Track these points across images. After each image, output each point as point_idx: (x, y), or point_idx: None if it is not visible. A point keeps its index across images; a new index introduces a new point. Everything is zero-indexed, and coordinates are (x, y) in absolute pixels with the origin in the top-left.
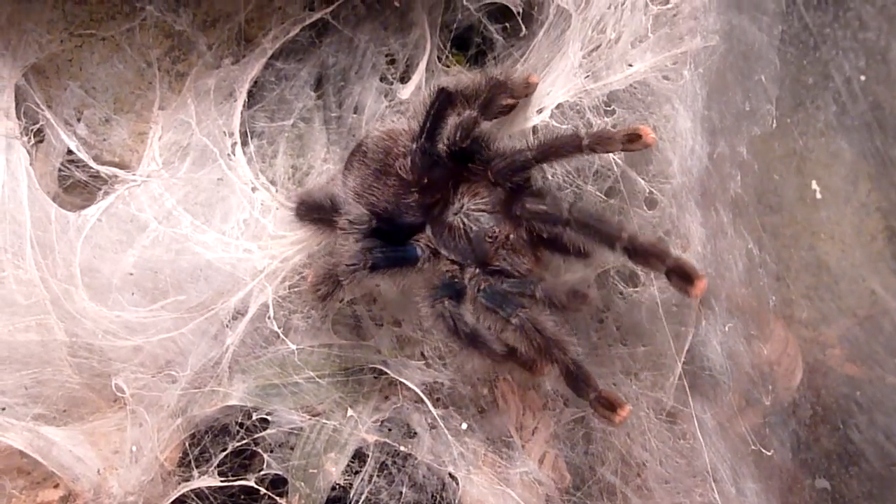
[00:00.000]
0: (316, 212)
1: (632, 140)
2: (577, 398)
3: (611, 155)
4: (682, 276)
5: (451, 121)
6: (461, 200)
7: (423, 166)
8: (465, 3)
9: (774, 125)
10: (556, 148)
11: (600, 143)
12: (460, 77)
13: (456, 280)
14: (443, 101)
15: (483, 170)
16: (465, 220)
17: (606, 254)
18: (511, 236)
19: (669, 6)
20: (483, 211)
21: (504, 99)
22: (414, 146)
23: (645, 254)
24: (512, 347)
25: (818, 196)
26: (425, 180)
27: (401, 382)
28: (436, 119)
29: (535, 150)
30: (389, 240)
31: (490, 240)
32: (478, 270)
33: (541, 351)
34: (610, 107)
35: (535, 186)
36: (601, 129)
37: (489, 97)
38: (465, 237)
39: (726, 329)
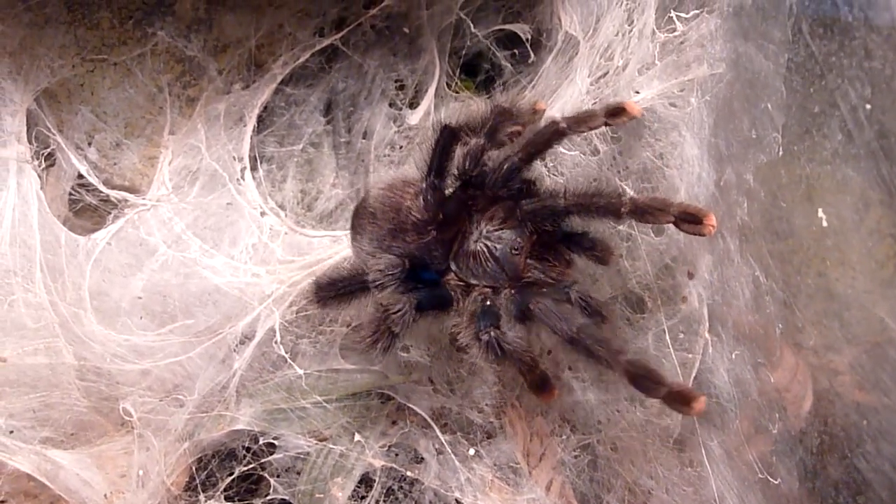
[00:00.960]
0: (338, 285)
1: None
2: (647, 396)
3: (618, 180)
4: (690, 220)
5: (459, 152)
6: (479, 227)
7: (436, 202)
8: (473, 30)
9: (781, 153)
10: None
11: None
12: (466, 108)
13: (490, 304)
14: (447, 137)
15: (493, 194)
16: (488, 242)
17: (616, 226)
18: (535, 244)
19: (676, 34)
20: (502, 229)
21: (510, 126)
22: (423, 184)
23: (650, 210)
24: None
25: (824, 224)
26: (440, 216)
27: (408, 407)
28: (442, 155)
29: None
30: (424, 283)
31: (516, 252)
32: (513, 290)
33: (600, 358)
34: (616, 133)
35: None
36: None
37: (495, 125)
38: (491, 259)
39: (733, 356)
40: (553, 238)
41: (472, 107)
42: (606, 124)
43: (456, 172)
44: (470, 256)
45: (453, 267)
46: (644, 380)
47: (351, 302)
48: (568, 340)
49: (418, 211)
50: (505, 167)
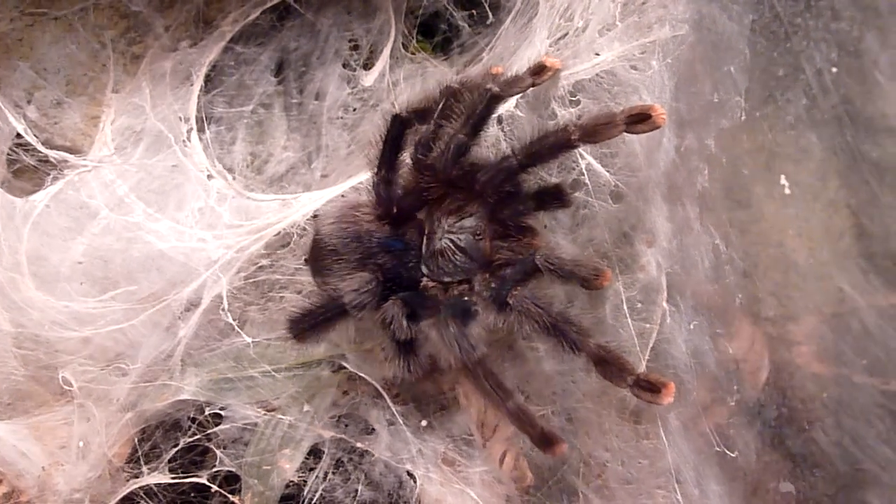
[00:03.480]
0: (314, 316)
1: (639, 121)
2: (613, 384)
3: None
4: (639, 120)
5: (411, 140)
6: (440, 224)
7: (389, 197)
8: None
9: (743, 118)
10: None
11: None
12: (416, 91)
13: (465, 298)
14: (398, 128)
15: (446, 177)
16: (451, 236)
17: (572, 161)
18: (496, 223)
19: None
20: (462, 218)
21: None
22: (375, 178)
23: (598, 128)
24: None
25: (787, 192)
26: (394, 210)
27: (360, 377)
28: (393, 147)
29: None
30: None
31: (479, 237)
32: (487, 274)
33: (573, 343)
34: (575, 97)
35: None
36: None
37: (445, 107)
38: (458, 251)
39: (691, 326)
40: (513, 210)
41: (422, 89)
42: (533, 84)
43: (410, 162)
44: (438, 255)
45: (426, 271)
46: (611, 367)
47: (330, 330)
48: (544, 329)
49: (372, 206)
50: (452, 146)
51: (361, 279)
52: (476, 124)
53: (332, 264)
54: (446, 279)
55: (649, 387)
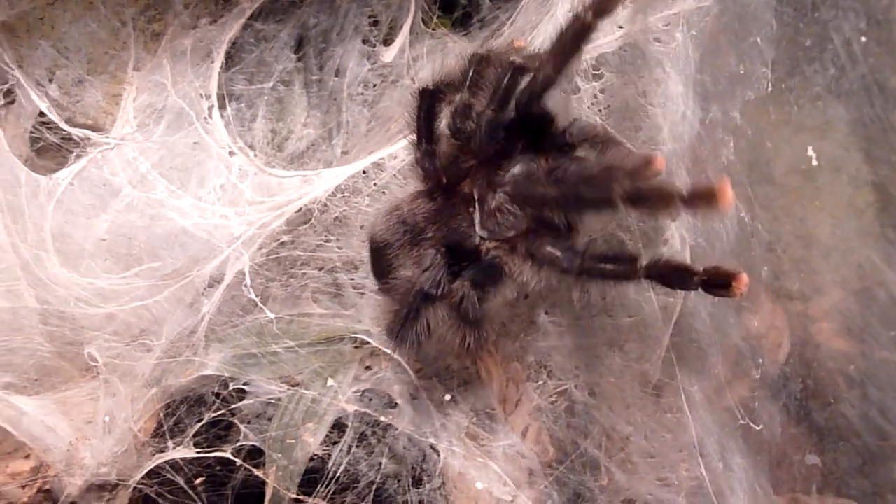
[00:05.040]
0: (403, 313)
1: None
2: (685, 290)
3: (598, 118)
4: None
5: (446, 111)
6: (490, 183)
7: (435, 168)
8: None
9: (770, 89)
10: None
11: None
12: (442, 66)
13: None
14: (429, 100)
15: (486, 151)
16: (506, 188)
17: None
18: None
19: None
20: (512, 168)
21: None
22: (417, 154)
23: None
24: None
25: (814, 163)
26: (443, 180)
27: (383, 352)
28: (427, 119)
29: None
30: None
31: (532, 176)
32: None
33: (619, 275)
34: (598, 70)
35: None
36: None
37: (475, 75)
38: (516, 199)
39: (715, 300)
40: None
41: (444, 64)
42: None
43: (448, 133)
44: (496, 213)
45: (485, 234)
46: (674, 276)
47: (423, 322)
48: (578, 275)
49: (421, 204)
50: (483, 125)
51: (424, 257)
52: (503, 98)
53: (392, 260)
54: (511, 234)
55: (720, 282)
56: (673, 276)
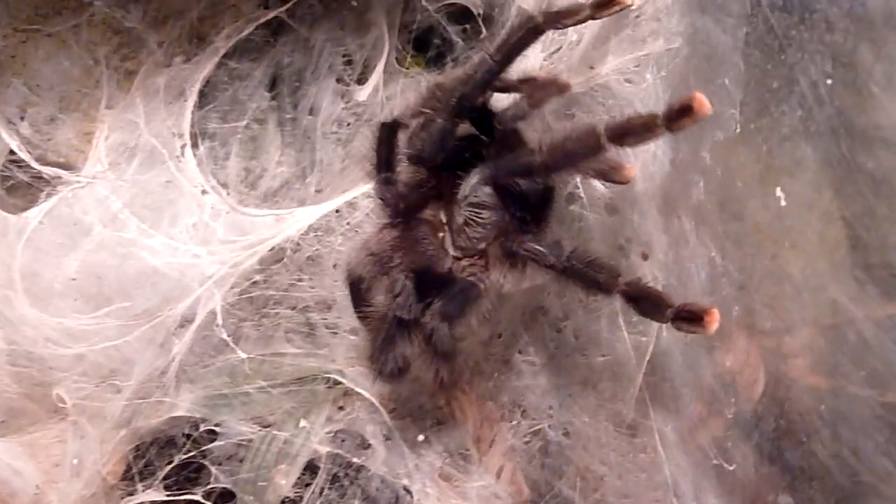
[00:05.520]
0: (379, 342)
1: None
2: (652, 320)
3: None
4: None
5: (403, 137)
6: (454, 200)
7: (392, 195)
8: (424, 3)
9: (738, 130)
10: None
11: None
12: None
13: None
14: (387, 131)
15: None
16: (473, 199)
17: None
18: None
19: (632, 7)
20: (471, 180)
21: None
22: (376, 184)
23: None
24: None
25: (783, 203)
26: (402, 206)
27: (356, 392)
28: (386, 148)
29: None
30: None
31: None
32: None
33: (598, 283)
34: (570, 110)
35: None
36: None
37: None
38: (485, 208)
39: (688, 339)
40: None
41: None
42: (591, 17)
43: (405, 159)
44: (464, 227)
45: (459, 253)
46: (649, 303)
47: (400, 348)
48: (561, 272)
49: (386, 234)
50: (435, 134)
51: (391, 282)
52: (454, 107)
53: (366, 293)
54: (483, 246)
55: (691, 316)
56: (648, 301)
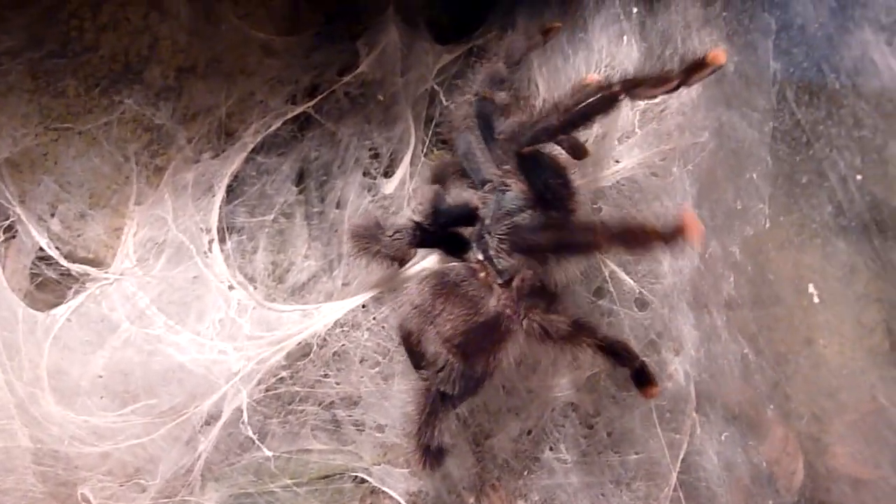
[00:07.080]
0: (421, 415)
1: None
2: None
3: (598, 255)
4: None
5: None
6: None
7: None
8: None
9: (768, 225)
10: (586, 110)
11: (643, 83)
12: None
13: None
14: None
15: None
16: (499, 224)
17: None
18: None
19: (657, 101)
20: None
21: None
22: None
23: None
24: None
25: (815, 300)
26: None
27: (383, 491)
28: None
29: (562, 114)
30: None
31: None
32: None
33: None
34: (596, 204)
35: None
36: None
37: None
38: (513, 231)
39: (723, 438)
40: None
41: None
42: (680, 86)
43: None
44: (495, 253)
45: (499, 280)
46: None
47: (444, 423)
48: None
49: (425, 284)
50: (541, 124)
51: (436, 357)
52: (576, 123)
53: (417, 347)
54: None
55: (644, 379)
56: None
